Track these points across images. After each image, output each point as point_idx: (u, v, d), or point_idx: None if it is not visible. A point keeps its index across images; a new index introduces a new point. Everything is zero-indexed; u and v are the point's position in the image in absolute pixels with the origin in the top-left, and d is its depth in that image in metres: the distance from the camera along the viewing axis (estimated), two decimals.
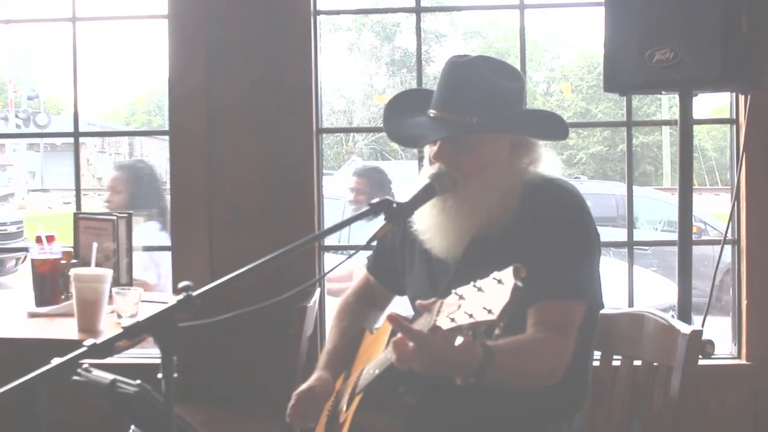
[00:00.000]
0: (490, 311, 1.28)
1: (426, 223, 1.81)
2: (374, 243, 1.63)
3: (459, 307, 1.35)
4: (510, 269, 1.30)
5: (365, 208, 1.60)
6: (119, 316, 2.17)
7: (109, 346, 1.22)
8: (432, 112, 1.81)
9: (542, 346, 1.66)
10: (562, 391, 1.73)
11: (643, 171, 21.93)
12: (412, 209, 1.67)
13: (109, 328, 2.15)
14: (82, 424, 2.59)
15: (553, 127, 1.82)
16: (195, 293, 1.25)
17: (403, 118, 1.87)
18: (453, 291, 1.39)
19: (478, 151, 1.76)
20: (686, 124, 2.45)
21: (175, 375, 1.20)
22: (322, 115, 2.99)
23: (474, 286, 1.35)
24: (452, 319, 1.35)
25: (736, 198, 2.80)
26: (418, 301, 1.50)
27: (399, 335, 1.46)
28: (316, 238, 2.27)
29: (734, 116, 2.86)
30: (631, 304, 2.87)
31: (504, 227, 1.74)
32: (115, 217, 2.63)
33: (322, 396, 1.87)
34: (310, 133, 2.88)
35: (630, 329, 1.95)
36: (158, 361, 1.20)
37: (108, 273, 2.21)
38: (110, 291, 2.20)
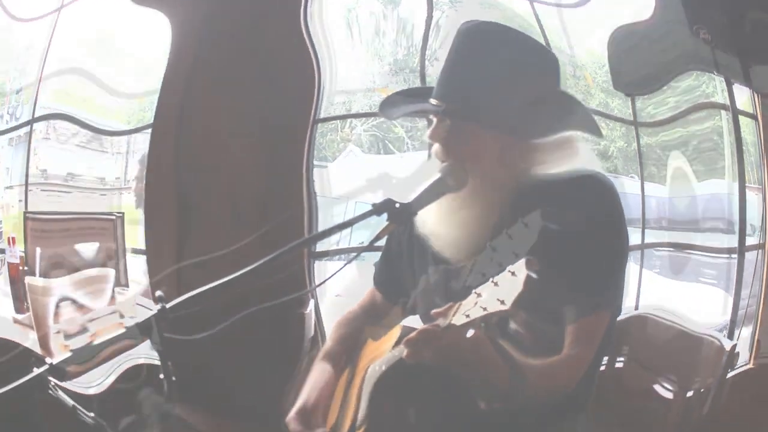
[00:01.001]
0: (502, 302, 1.30)
1: (434, 224, 1.72)
2: (376, 245, 1.56)
3: (476, 303, 1.36)
4: (523, 261, 1.31)
5: (367, 209, 1.54)
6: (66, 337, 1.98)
7: (62, 369, 1.20)
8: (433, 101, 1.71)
9: (570, 362, 1.61)
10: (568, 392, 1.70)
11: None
12: (417, 209, 1.58)
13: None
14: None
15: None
16: (168, 305, 1.24)
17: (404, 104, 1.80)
18: (474, 291, 1.37)
19: (478, 141, 1.66)
20: None
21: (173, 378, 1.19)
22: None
23: (492, 281, 1.35)
24: (467, 316, 1.36)
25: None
26: (434, 311, 1.44)
27: (412, 334, 1.42)
28: (306, 242, 2.15)
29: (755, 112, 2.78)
30: (636, 307, 2.85)
31: (519, 228, 1.64)
32: (114, 218, 2.60)
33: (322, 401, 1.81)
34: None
35: (634, 331, 1.95)
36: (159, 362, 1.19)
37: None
38: (113, 291, 2.11)
